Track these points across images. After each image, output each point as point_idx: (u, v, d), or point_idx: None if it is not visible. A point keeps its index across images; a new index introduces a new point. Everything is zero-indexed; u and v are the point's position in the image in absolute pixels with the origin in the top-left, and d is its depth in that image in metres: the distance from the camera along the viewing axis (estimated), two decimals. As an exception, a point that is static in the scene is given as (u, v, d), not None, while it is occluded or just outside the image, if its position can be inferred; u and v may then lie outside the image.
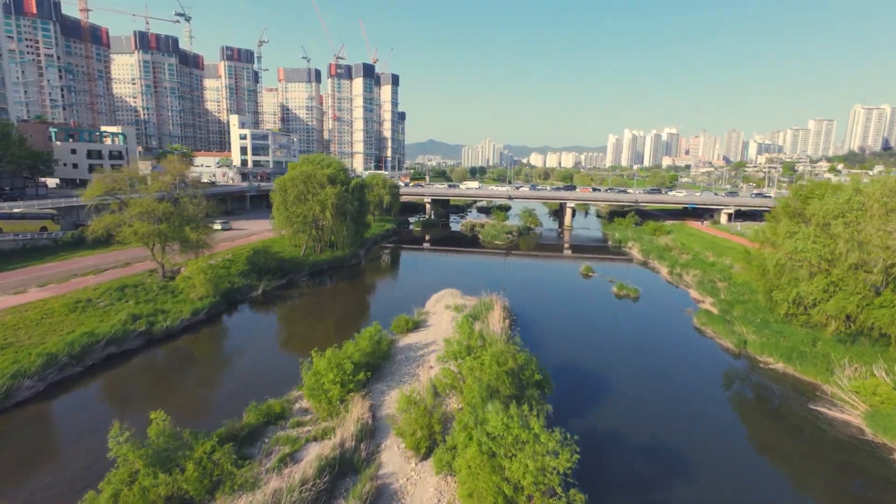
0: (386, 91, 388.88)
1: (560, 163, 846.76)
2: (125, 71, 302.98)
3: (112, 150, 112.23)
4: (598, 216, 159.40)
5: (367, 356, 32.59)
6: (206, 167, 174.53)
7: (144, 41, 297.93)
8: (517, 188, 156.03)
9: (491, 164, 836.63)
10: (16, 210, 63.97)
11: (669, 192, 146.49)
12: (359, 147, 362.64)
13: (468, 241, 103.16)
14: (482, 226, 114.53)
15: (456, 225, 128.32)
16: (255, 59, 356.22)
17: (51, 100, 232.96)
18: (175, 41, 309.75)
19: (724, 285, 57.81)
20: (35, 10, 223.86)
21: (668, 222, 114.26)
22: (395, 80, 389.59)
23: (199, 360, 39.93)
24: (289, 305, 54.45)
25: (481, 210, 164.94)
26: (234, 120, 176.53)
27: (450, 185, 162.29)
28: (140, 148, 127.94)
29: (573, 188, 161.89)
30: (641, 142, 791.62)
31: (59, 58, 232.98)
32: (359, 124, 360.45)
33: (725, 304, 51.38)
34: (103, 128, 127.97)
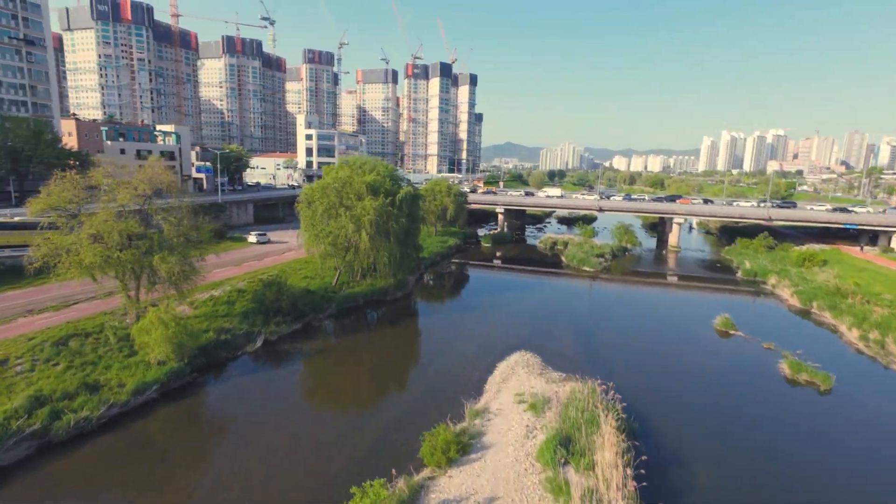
0: (463, 91, 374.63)
1: (646, 167, 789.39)
2: (213, 74, 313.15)
3: (164, 149, 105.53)
4: (708, 232, 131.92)
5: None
6: (262, 169, 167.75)
7: (231, 46, 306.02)
8: (607, 197, 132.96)
9: (570, 167, 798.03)
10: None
11: (808, 207, 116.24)
12: (433, 149, 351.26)
13: (548, 262, 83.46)
14: (565, 244, 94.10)
15: (533, 239, 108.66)
16: (336, 62, 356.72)
17: (141, 102, 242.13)
18: (259, 45, 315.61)
19: None
20: (130, 17, 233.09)
21: (816, 247, 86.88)
22: (472, 80, 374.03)
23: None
24: (287, 372, 38.50)
25: (562, 221, 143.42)
26: (300, 119, 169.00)
27: (526, 193, 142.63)
28: (197, 148, 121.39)
29: (676, 198, 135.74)
30: (741, 144, 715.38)
31: (150, 62, 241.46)
32: (433, 125, 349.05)
33: None
34: (159, 127, 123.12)
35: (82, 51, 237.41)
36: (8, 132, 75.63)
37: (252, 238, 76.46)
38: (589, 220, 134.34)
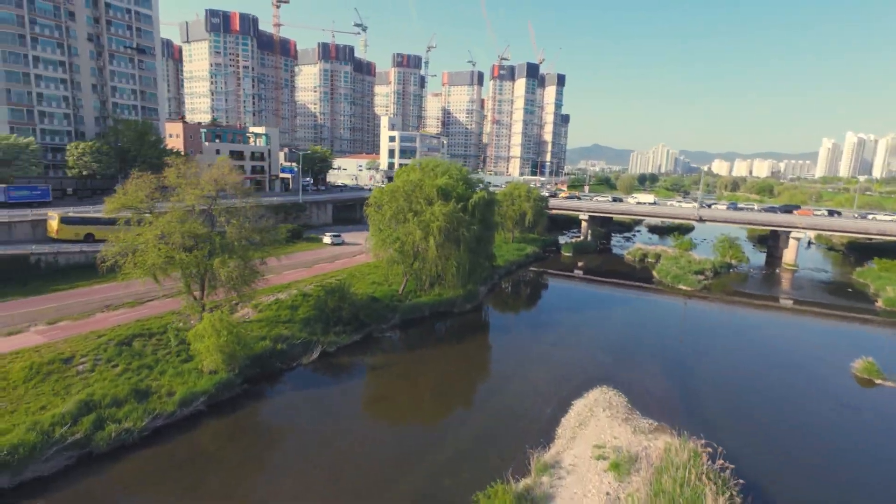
0: (550, 92, 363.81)
1: (751, 171, 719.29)
2: (308, 79, 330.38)
3: (254, 150, 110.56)
4: (830, 248, 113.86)
5: None
6: (344, 170, 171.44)
7: (326, 52, 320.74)
8: (707, 206, 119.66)
9: (663, 170, 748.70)
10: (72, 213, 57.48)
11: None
12: (516, 151, 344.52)
13: (636, 276, 75.25)
14: (657, 257, 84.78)
15: (620, 250, 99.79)
16: (423, 65, 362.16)
17: (244, 106, 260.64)
18: (351, 50, 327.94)
19: None
20: (238, 28, 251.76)
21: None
22: (560, 81, 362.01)
23: (144, 505, 23.17)
24: (340, 389, 35.89)
25: (653, 230, 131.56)
26: (383, 121, 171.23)
27: (614, 199, 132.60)
28: (285, 149, 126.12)
29: (793, 209, 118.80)
30: (871, 148, 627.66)
31: (253, 69, 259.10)
32: (517, 127, 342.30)
33: None
34: (252, 129, 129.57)
35: (197, 60, 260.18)
36: (119, 134, 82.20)
37: (327, 239, 76.49)
38: (685, 230, 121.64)
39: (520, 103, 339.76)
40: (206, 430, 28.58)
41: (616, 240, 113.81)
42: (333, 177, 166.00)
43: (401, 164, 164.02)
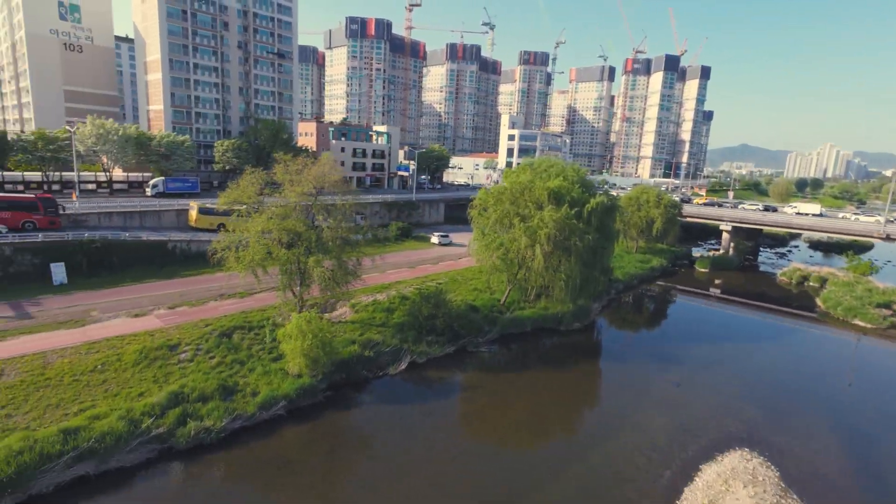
0: (691, 87, 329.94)
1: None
2: (435, 80, 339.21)
3: (375, 148, 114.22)
4: None
5: None
6: (461, 169, 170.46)
7: (453, 52, 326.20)
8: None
9: (829, 174, 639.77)
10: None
11: None
12: (647, 151, 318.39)
13: (792, 303, 62.21)
14: (822, 280, 69.61)
15: (770, 268, 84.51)
16: (550, 62, 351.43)
17: (374, 107, 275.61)
18: (478, 49, 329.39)
19: None
20: (373, 33, 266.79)
21: None
22: (704, 74, 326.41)
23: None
24: (424, 406, 32.98)
25: (815, 246, 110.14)
26: (503, 119, 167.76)
27: (765, 207, 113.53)
28: (405, 147, 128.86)
29: None
30: None
31: (384, 71, 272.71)
32: (651, 125, 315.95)
33: None
34: (375, 127, 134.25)
35: (337, 65, 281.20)
36: (257, 132, 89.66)
37: (434, 239, 75.23)
38: (860, 248, 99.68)
39: (655, 99, 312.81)
40: (284, 436, 27.62)
41: (765, 255, 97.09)
42: (451, 176, 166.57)
43: (519, 164, 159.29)
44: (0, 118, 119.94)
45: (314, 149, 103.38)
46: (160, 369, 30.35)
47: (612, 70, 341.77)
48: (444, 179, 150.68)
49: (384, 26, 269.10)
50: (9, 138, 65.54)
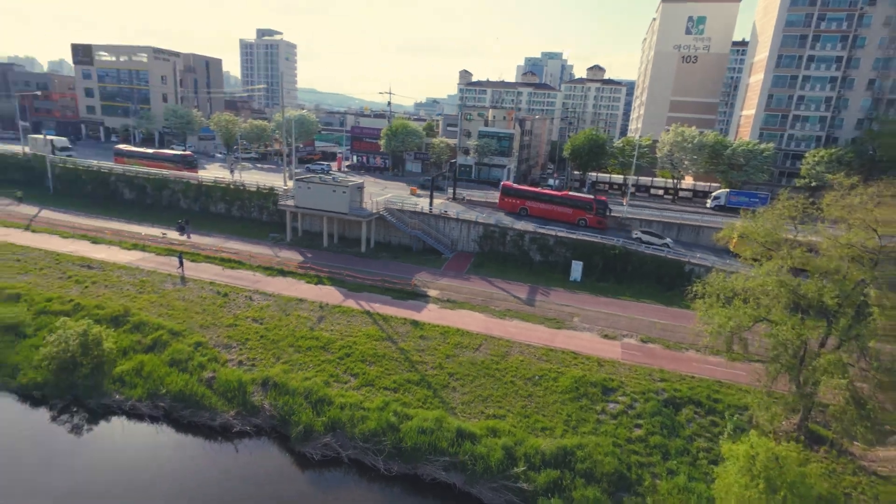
0: None
1: None
2: None
3: None
4: None
5: None
6: None
7: None
8: None
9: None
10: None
11: None
12: None
13: None
14: None
15: None
16: None
17: None
18: None
19: None
20: None
21: None
22: None
23: None
24: None
25: None
26: None
27: None
28: None
29: None
30: None
31: None
32: None
33: None
34: None
35: None
36: (875, 139, 65.30)
37: None
38: None
39: None
40: None
41: None
42: None
43: None
44: (628, 127, 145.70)
45: None
46: (580, 410, 26.55)
47: None
48: None
49: None
50: (605, 146, 76.71)
